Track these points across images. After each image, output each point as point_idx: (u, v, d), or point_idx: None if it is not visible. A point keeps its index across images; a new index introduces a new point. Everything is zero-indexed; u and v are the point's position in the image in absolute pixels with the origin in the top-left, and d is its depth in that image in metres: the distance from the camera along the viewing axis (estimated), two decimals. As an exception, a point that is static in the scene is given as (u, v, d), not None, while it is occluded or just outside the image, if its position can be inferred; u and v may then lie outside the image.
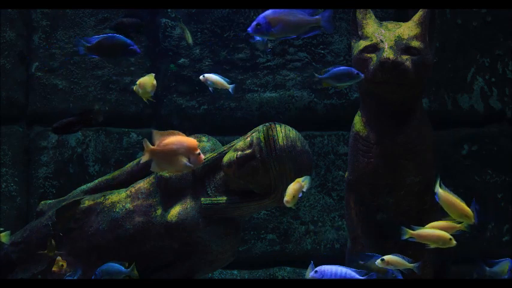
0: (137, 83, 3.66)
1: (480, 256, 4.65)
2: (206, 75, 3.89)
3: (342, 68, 3.45)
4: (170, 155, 3.10)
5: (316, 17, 3.14)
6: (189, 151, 3.10)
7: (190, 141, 3.12)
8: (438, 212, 3.83)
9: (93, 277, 3.55)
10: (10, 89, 4.76)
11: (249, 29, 3.12)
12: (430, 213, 3.75)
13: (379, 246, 3.58)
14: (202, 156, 3.15)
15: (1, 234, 3.66)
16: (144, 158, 3.13)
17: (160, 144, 3.11)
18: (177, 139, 3.11)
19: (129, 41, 3.54)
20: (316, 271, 3.21)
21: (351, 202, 3.86)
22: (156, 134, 3.13)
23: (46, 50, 4.78)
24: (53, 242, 3.75)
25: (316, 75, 3.46)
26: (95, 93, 4.79)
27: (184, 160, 3.10)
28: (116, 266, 3.53)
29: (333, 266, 3.20)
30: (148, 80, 3.65)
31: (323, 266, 3.21)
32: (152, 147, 3.11)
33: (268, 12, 3.10)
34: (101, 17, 4.77)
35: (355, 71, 3.41)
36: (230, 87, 3.88)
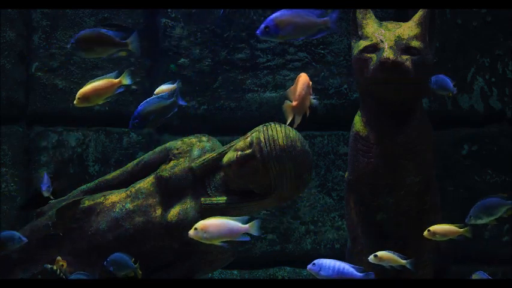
0: (78, 97, 3.42)
1: (480, 256, 4.68)
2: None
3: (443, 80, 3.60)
4: (304, 100, 3.24)
5: (324, 18, 3.13)
6: (309, 85, 3.27)
7: (305, 78, 3.25)
8: (438, 213, 3.84)
9: (104, 263, 3.58)
10: (10, 89, 4.76)
11: (257, 32, 3.10)
12: (430, 213, 3.76)
13: (379, 246, 3.58)
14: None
15: None
16: (290, 117, 3.26)
17: (295, 97, 3.24)
18: (299, 82, 3.24)
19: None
20: (314, 263, 3.26)
21: (351, 202, 3.86)
22: (289, 92, 3.25)
23: (46, 50, 4.78)
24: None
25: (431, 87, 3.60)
26: (94, 93, 4.79)
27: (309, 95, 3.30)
28: (125, 258, 3.56)
29: (331, 260, 3.25)
30: (90, 87, 3.43)
31: (321, 259, 3.26)
32: (292, 104, 3.22)
33: (276, 14, 3.09)
34: (101, 17, 4.77)
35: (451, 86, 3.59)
36: (175, 84, 3.86)
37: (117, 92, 3.46)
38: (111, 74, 3.47)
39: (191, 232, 3.30)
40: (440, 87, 3.60)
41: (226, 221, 3.31)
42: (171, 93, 3.70)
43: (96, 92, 3.41)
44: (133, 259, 3.57)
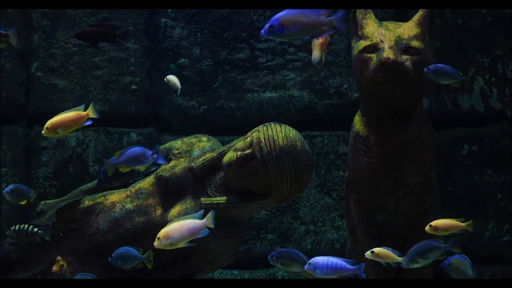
0: (46, 127, 3.46)
1: (480, 256, 4.68)
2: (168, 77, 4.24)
3: (444, 67, 3.58)
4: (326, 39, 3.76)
5: (330, 17, 3.12)
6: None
7: None
8: (438, 213, 3.84)
9: (109, 259, 3.60)
10: (10, 89, 4.75)
11: (262, 32, 3.08)
12: (430, 213, 3.75)
13: (379, 246, 3.58)
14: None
15: None
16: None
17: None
18: None
19: None
20: (309, 263, 3.36)
21: (351, 202, 3.86)
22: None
23: (46, 50, 4.78)
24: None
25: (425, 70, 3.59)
26: (95, 93, 4.79)
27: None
28: (132, 251, 3.58)
29: (324, 257, 3.36)
30: (59, 119, 3.47)
31: (315, 257, 3.36)
32: (319, 41, 3.70)
33: (281, 13, 3.07)
34: (101, 17, 4.77)
35: (455, 73, 3.57)
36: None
37: (85, 124, 3.52)
38: (79, 107, 3.51)
39: (156, 243, 3.35)
40: (441, 75, 3.56)
41: (184, 222, 3.37)
42: (151, 153, 3.64)
43: (65, 124, 3.47)
44: (141, 250, 3.59)
